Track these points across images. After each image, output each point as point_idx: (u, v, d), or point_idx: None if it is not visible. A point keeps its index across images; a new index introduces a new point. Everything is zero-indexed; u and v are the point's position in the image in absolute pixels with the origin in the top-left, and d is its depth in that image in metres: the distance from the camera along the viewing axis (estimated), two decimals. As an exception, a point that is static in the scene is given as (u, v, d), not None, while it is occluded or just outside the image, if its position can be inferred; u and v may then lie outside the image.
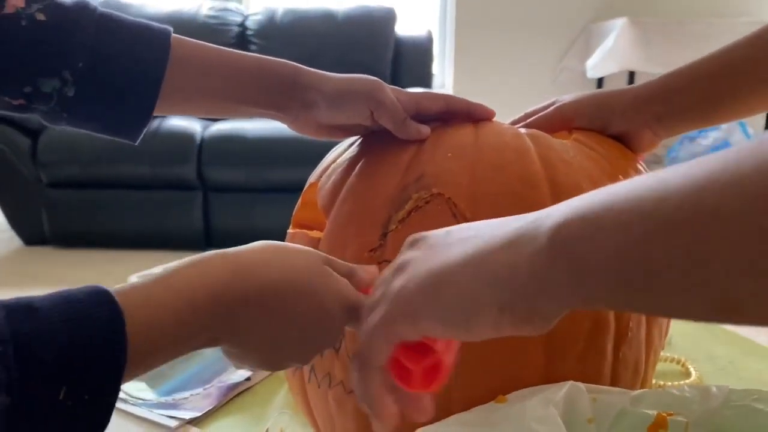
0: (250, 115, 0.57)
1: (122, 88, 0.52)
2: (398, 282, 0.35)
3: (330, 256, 0.44)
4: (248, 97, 0.56)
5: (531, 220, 0.31)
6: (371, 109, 0.54)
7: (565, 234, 0.29)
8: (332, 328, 0.41)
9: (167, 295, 0.35)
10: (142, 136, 0.55)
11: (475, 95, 0.55)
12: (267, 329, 0.39)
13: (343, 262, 0.45)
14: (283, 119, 0.57)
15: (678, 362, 0.79)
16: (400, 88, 0.56)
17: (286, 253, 0.41)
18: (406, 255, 0.36)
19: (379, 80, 0.55)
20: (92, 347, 0.31)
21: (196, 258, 0.38)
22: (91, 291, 0.33)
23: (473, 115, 0.57)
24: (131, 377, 0.34)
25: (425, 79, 3.17)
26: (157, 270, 0.37)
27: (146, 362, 0.34)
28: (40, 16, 0.49)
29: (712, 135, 3.36)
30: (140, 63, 0.52)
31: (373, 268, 0.45)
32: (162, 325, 0.34)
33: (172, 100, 0.55)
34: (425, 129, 0.54)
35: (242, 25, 3.13)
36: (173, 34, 0.54)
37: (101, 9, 0.52)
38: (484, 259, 0.32)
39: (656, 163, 3.59)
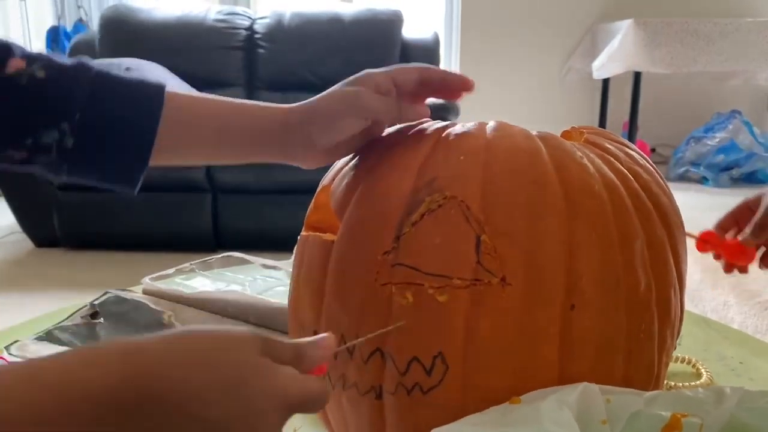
0: (253, 161, 0.59)
1: (118, 139, 0.55)
2: None
3: (273, 341, 0.37)
4: (242, 147, 0.58)
5: None
6: (363, 117, 0.55)
7: None
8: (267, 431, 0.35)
9: (30, 388, 0.29)
10: (139, 185, 0.58)
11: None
12: None
13: (289, 343, 0.39)
14: (293, 162, 0.59)
15: (689, 363, 0.79)
16: (373, 71, 0.55)
17: (210, 350, 0.34)
18: None
19: (357, 88, 0.54)
20: None
21: (89, 348, 0.33)
22: None
23: (449, 84, 0.57)
24: None
25: (432, 81, 3.16)
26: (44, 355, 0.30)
27: None
28: (41, 74, 0.52)
29: (718, 135, 3.34)
30: (135, 115, 0.55)
31: (328, 341, 0.40)
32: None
33: (168, 151, 0.57)
34: (424, 109, 0.56)
35: (250, 28, 3.13)
36: (167, 90, 0.56)
37: (98, 67, 0.55)
38: None
39: (663, 163, 3.58)
